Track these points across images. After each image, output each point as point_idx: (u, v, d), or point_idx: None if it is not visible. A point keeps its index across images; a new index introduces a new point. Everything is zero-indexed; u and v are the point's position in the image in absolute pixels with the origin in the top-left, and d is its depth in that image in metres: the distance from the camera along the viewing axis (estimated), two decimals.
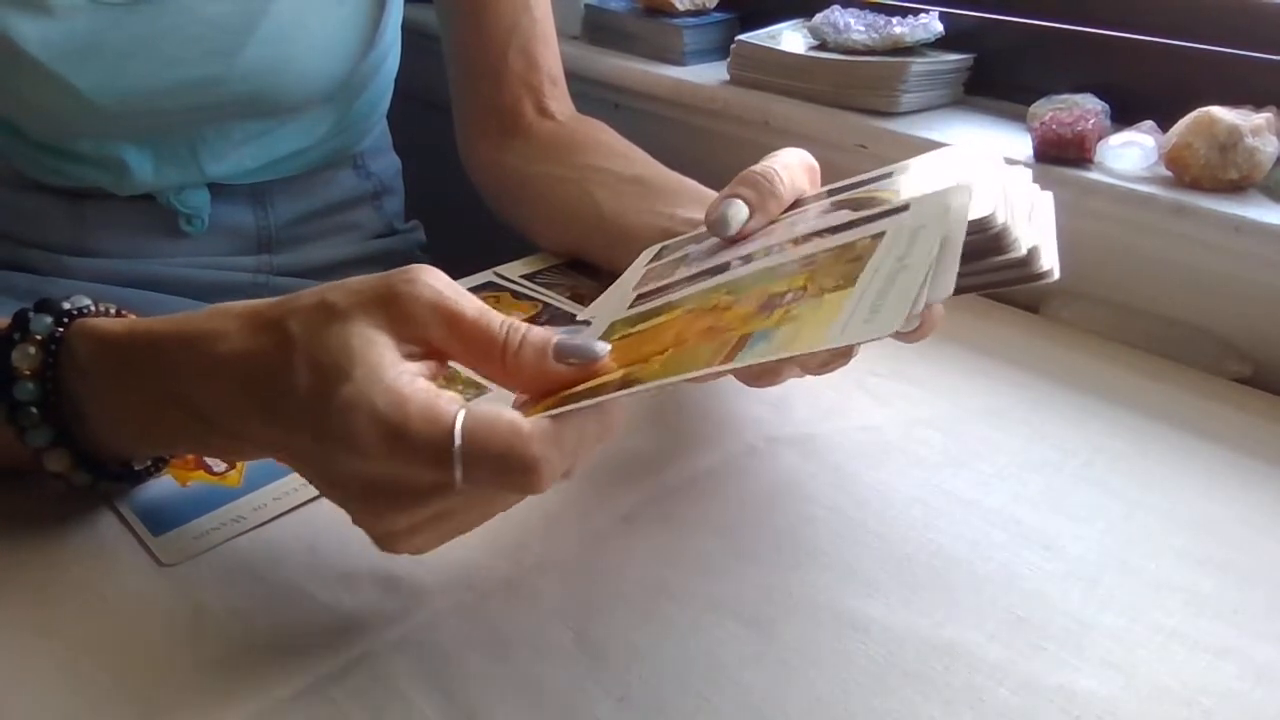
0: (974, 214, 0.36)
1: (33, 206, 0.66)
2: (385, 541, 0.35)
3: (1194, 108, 0.59)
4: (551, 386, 0.35)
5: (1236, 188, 0.58)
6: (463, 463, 0.31)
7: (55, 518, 0.43)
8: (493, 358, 0.35)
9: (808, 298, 0.35)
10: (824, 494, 0.46)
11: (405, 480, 0.32)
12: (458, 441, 0.31)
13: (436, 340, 0.35)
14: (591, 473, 0.46)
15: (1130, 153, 0.61)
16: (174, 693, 0.35)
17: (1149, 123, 0.63)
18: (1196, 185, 0.58)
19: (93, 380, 0.39)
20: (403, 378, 0.33)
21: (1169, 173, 0.60)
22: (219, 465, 0.46)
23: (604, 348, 0.35)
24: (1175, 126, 0.59)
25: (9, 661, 0.36)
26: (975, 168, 0.41)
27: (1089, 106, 0.65)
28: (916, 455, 0.48)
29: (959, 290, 0.38)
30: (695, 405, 0.52)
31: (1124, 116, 0.65)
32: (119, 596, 0.39)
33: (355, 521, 0.35)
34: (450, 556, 0.41)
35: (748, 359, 0.32)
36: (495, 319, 0.35)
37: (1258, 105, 0.60)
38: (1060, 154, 0.62)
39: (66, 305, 0.40)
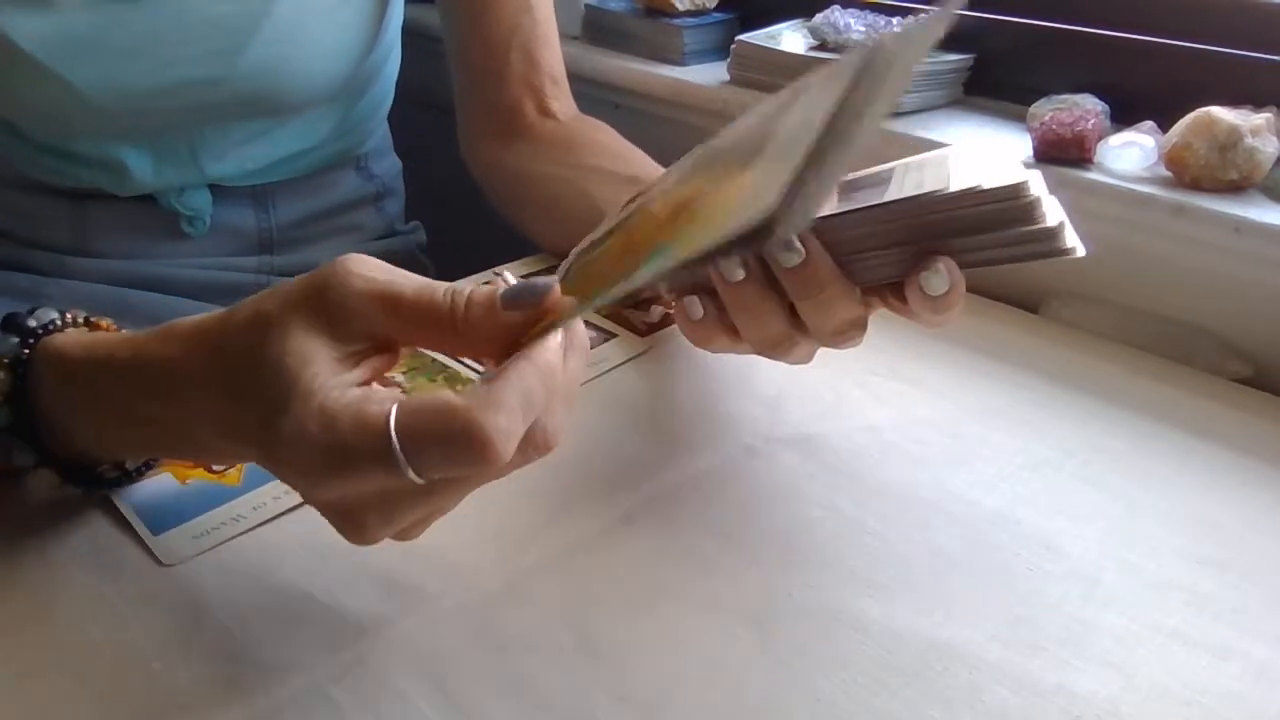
0: (1006, 180, 0.36)
1: (33, 207, 0.66)
2: (361, 543, 0.34)
3: (1194, 108, 0.59)
4: (511, 340, 0.33)
5: (1236, 188, 0.58)
6: (407, 459, 0.30)
7: (55, 518, 0.43)
8: (443, 328, 0.33)
9: (708, 194, 0.32)
10: (823, 494, 0.46)
11: (370, 493, 0.32)
12: (394, 441, 0.30)
13: (381, 329, 0.33)
14: (591, 473, 0.46)
15: (1130, 153, 0.61)
16: (174, 693, 0.35)
17: (1149, 123, 0.63)
18: (1196, 185, 0.58)
19: (61, 400, 0.39)
20: (331, 395, 0.31)
21: (1169, 173, 0.60)
22: (218, 464, 0.46)
23: (548, 281, 0.33)
24: (1175, 126, 0.59)
25: (9, 661, 0.36)
26: (997, 159, 0.41)
27: (1089, 106, 0.65)
28: (916, 455, 0.48)
29: (987, 263, 0.38)
30: (694, 406, 0.52)
31: (1124, 116, 0.65)
32: (119, 596, 0.39)
33: (351, 539, 0.34)
34: (450, 556, 0.41)
35: (646, 273, 0.30)
36: (437, 289, 0.33)
37: (1258, 105, 0.60)
38: (1060, 154, 0.62)
39: (32, 323, 0.39)
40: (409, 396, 0.31)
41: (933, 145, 0.65)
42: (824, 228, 0.39)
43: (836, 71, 0.30)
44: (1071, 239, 0.37)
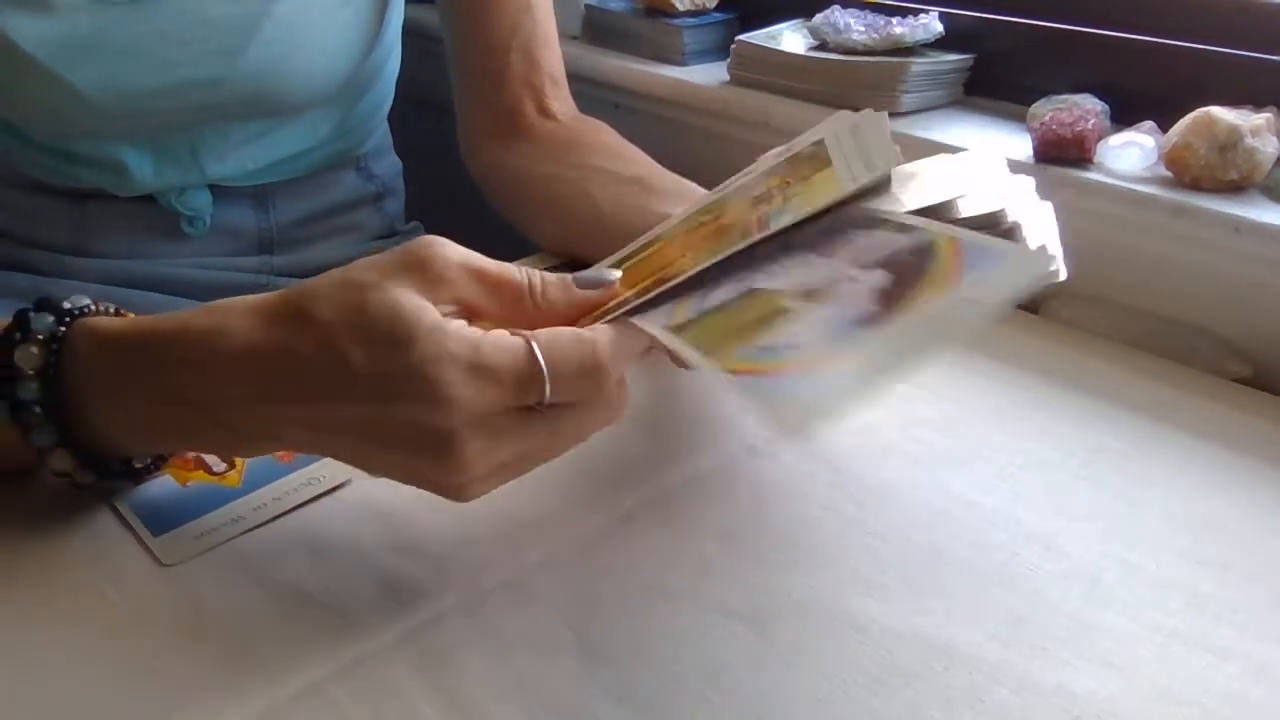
0: (982, 209, 0.36)
1: (34, 206, 0.66)
2: (462, 490, 0.36)
3: (1194, 108, 0.59)
4: (579, 316, 0.39)
5: (1236, 188, 0.58)
6: (548, 374, 0.34)
7: (55, 518, 0.43)
8: (523, 302, 0.38)
9: (794, 187, 0.39)
10: (824, 494, 0.46)
11: (494, 419, 0.35)
12: (541, 360, 0.34)
13: (469, 297, 0.37)
14: (591, 473, 0.46)
15: (1130, 153, 0.61)
16: (174, 693, 0.35)
17: (1149, 123, 0.63)
18: (1196, 185, 0.58)
19: (94, 377, 0.39)
20: (464, 328, 0.34)
21: (1169, 173, 0.60)
22: (219, 465, 0.46)
23: (615, 273, 0.41)
24: (1175, 127, 0.59)
25: (9, 662, 0.36)
26: (980, 169, 0.41)
27: (1089, 106, 0.65)
28: (916, 455, 0.48)
29: None
30: (694, 406, 0.52)
31: (1124, 116, 0.65)
32: (119, 596, 0.39)
33: (429, 478, 0.36)
34: (450, 556, 0.41)
35: (781, 224, 0.37)
36: (513, 269, 0.38)
37: (1258, 105, 0.60)
38: (1060, 154, 0.62)
39: (67, 305, 0.40)
40: (538, 332, 0.36)
41: (933, 145, 0.65)
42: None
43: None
44: (1055, 260, 0.37)
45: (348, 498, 0.45)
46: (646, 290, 0.39)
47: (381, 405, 0.34)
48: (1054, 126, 0.62)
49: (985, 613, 0.39)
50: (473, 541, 0.42)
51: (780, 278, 0.38)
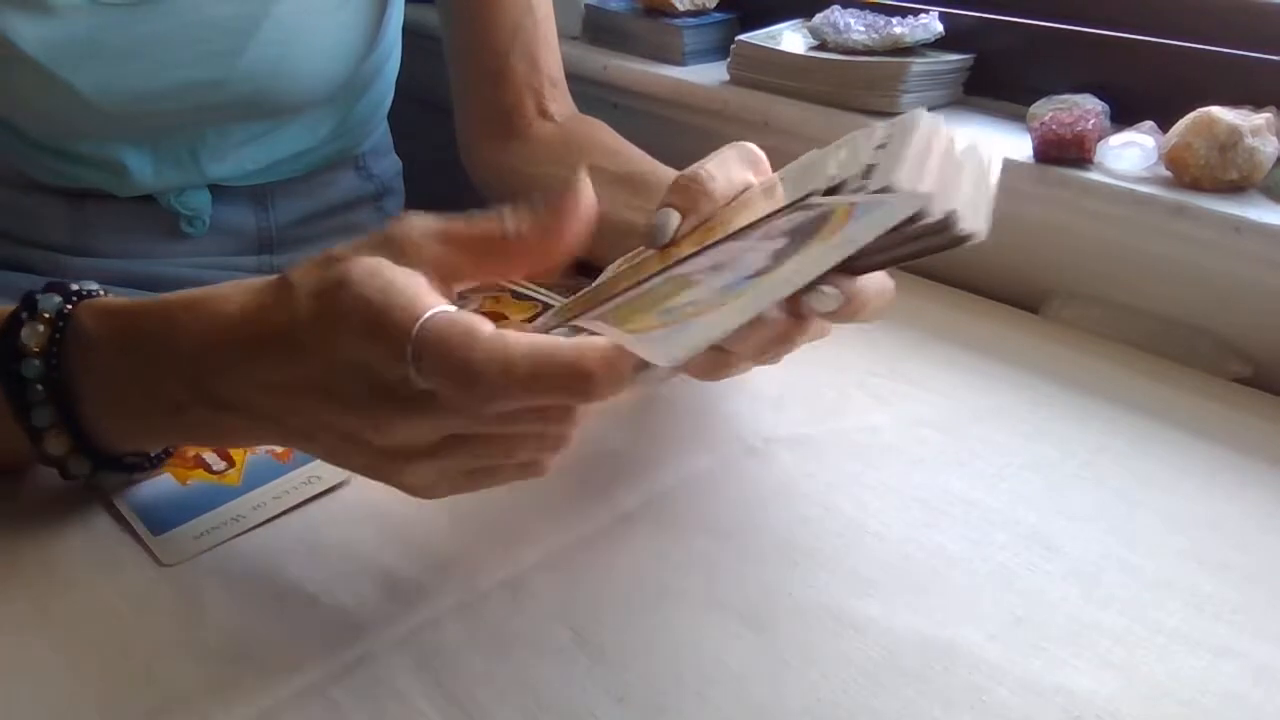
0: (879, 184, 0.34)
1: (33, 206, 0.66)
2: (416, 491, 0.36)
3: (1194, 108, 0.59)
4: (557, 246, 0.37)
5: (1236, 188, 0.58)
6: (414, 353, 0.31)
7: (55, 518, 0.43)
8: (497, 244, 0.37)
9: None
10: (823, 494, 0.46)
11: (386, 384, 0.33)
12: (414, 331, 0.32)
13: (441, 257, 0.36)
14: (591, 473, 0.46)
15: (1130, 153, 0.61)
16: (174, 693, 0.35)
17: (1149, 123, 0.63)
18: (1196, 185, 0.58)
19: (95, 353, 0.39)
20: (400, 274, 0.33)
21: (1169, 173, 0.60)
22: (218, 464, 0.46)
23: (580, 175, 0.37)
24: (1175, 126, 0.59)
25: (9, 662, 0.36)
26: (893, 133, 0.39)
27: (1089, 106, 0.65)
28: (916, 455, 0.48)
29: (878, 265, 0.37)
30: (694, 406, 0.52)
31: (1124, 116, 0.65)
32: (119, 596, 0.39)
33: (383, 478, 0.36)
34: (450, 556, 0.41)
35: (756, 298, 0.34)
36: (482, 218, 0.37)
37: (1258, 105, 0.60)
38: (1060, 154, 0.62)
39: (75, 287, 0.41)
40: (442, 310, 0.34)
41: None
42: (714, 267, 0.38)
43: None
44: (970, 223, 0.34)
45: (348, 497, 0.45)
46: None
47: (315, 350, 0.34)
48: (1054, 126, 0.62)
49: (985, 613, 0.39)
50: (473, 541, 0.42)
51: (697, 261, 0.39)
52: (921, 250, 0.35)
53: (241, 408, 0.37)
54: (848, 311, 0.37)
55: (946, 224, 0.34)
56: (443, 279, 0.36)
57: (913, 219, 0.34)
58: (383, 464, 0.36)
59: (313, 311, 0.34)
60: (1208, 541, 0.43)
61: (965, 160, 0.37)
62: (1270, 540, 0.43)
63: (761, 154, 0.46)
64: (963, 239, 0.34)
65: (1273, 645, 0.38)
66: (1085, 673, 0.36)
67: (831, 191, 0.37)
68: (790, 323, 0.40)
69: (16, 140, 0.64)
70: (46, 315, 0.39)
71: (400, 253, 0.35)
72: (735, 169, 0.45)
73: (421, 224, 0.37)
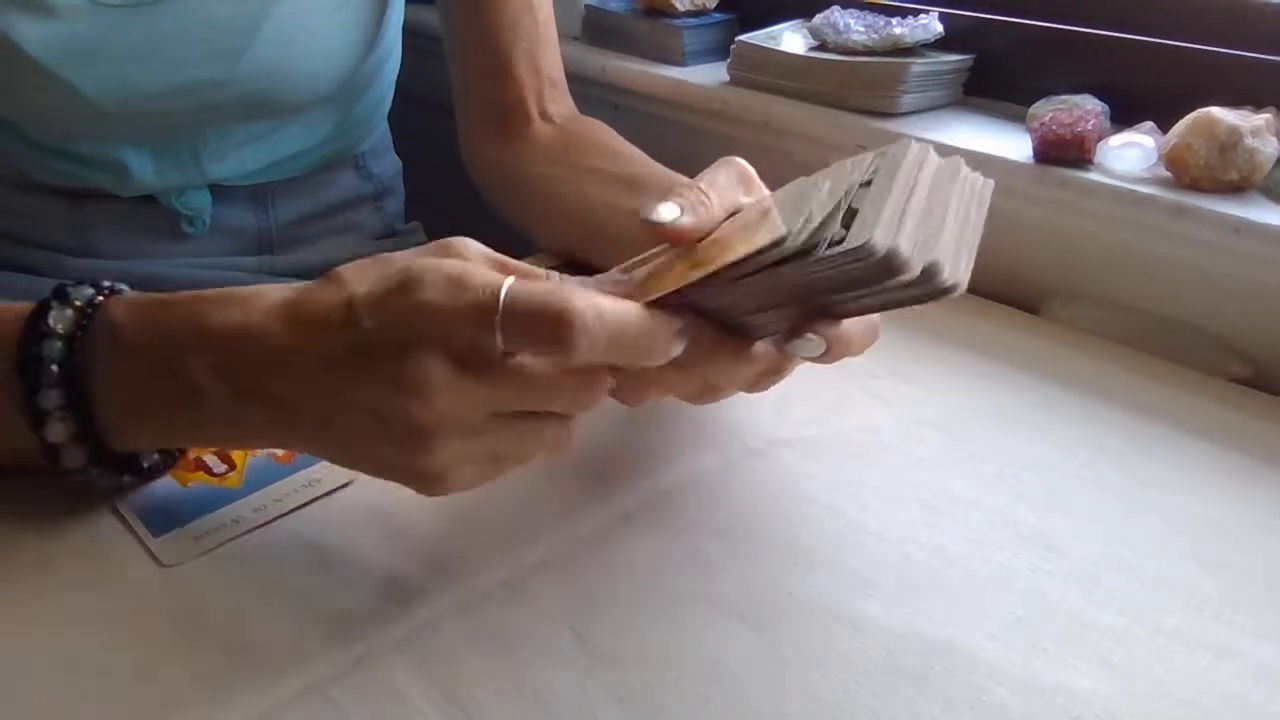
0: (853, 241, 0.33)
1: (34, 207, 0.66)
2: (436, 480, 0.36)
3: (1194, 108, 0.59)
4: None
5: (1236, 188, 0.58)
6: (503, 318, 0.33)
7: (55, 518, 0.43)
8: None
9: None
10: (824, 494, 0.46)
11: (461, 402, 0.34)
12: (503, 292, 0.33)
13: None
14: (591, 473, 0.46)
15: (1130, 153, 0.61)
16: (174, 693, 0.35)
17: (1149, 123, 0.63)
18: (1196, 186, 0.58)
19: (121, 340, 0.39)
20: (469, 264, 0.35)
21: (1169, 173, 0.60)
22: (219, 466, 0.46)
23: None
24: (1175, 127, 0.59)
25: (9, 661, 0.36)
26: (879, 166, 0.37)
27: (1089, 107, 0.65)
28: (916, 455, 0.48)
29: (876, 309, 0.37)
30: (695, 406, 0.52)
31: (1124, 117, 0.65)
32: (119, 597, 0.39)
33: (404, 465, 0.36)
34: (450, 556, 0.41)
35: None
36: (538, 270, 0.39)
37: (1258, 106, 0.60)
38: (1060, 155, 0.62)
39: (108, 284, 0.41)
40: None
41: (933, 146, 0.65)
42: (698, 300, 0.37)
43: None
44: (951, 273, 0.34)
45: (348, 499, 0.45)
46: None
47: (362, 333, 0.35)
48: (1054, 127, 0.62)
49: (985, 613, 0.39)
50: (473, 541, 0.42)
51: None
52: (903, 301, 0.35)
53: (263, 393, 0.37)
54: (831, 355, 0.38)
55: (926, 278, 0.33)
56: None
57: (889, 274, 0.33)
58: (408, 446, 0.35)
59: (382, 287, 0.35)
60: (1208, 541, 0.43)
61: (954, 192, 0.37)
62: (1270, 540, 0.43)
63: (751, 171, 0.44)
64: (943, 291, 0.34)
65: (1273, 645, 0.38)
66: (1085, 673, 0.36)
67: (811, 236, 0.35)
68: (780, 357, 0.40)
69: (17, 140, 0.64)
70: (78, 303, 0.39)
71: (457, 257, 0.37)
72: (726, 191, 0.43)
73: (479, 248, 0.38)
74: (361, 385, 0.35)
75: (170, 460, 0.45)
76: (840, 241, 0.33)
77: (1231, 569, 0.42)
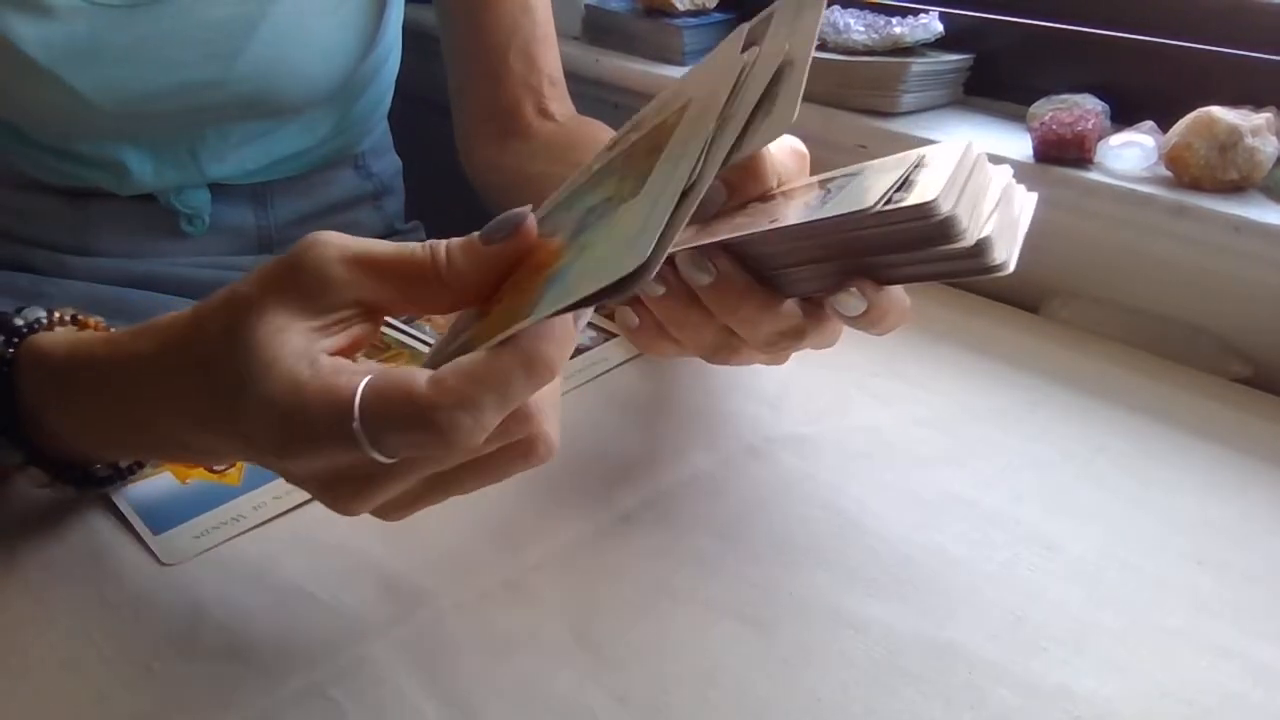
0: (916, 199, 0.34)
1: (34, 206, 0.66)
2: (381, 515, 0.34)
3: (1194, 108, 0.59)
4: (500, 279, 0.33)
5: (1236, 188, 0.58)
6: (368, 436, 0.29)
7: (54, 517, 0.43)
8: (428, 281, 0.33)
9: (608, 212, 0.32)
10: (823, 494, 0.46)
11: (342, 466, 0.31)
12: (355, 417, 0.29)
13: (364, 295, 0.33)
14: (590, 473, 0.46)
15: (1130, 153, 0.61)
16: (173, 693, 0.35)
17: (1149, 123, 0.63)
18: (1196, 185, 0.58)
19: (47, 400, 0.39)
20: (300, 364, 0.31)
21: (1169, 173, 0.60)
22: (206, 462, 0.46)
23: (522, 210, 0.33)
24: (1175, 126, 0.59)
25: (9, 661, 0.36)
26: (942, 156, 0.39)
27: (1089, 106, 0.65)
28: (916, 455, 0.48)
29: (915, 279, 0.37)
30: (695, 406, 0.52)
31: (1124, 116, 0.65)
32: (119, 596, 0.39)
33: (338, 511, 0.33)
34: (450, 556, 0.41)
35: (546, 309, 0.29)
36: (414, 247, 0.33)
37: (1258, 105, 0.60)
38: (1060, 154, 0.62)
39: (19, 322, 0.40)
40: (382, 370, 0.30)
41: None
42: (741, 244, 0.37)
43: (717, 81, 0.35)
44: (1002, 254, 0.35)
45: None
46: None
47: (242, 440, 0.32)
48: (1054, 126, 0.62)
49: (985, 613, 0.39)
50: (473, 541, 0.42)
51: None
52: (949, 272, 0.36)
53: (228, 453, 0.37)
54: (868, 319, 0.38)
55: (977, 250, 0.34)
56: (367, 314, 0.33)
57: (943, 240, 0.34)
58: (330, 499, 0.33)
59: (237, 420, 0.32)
60: (1208, 541, 0.43)
61: (1003, 197, 0.38)
62: (1270, 540, 0.43)
63: (804, 150, 0.45)
64: (992, 268, 0.35)
65: (1273, 645, 0.38)
66: (1085, 673, 0.36)
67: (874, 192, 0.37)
68: (805, 320, 0.40)
69: (17, 140, 0.64)
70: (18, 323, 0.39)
71: (310, 291, 0.32)
72: (783, 159, 0.43)
73: (336, 250, 0.32)
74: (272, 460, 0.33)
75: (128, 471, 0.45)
76: (900, 202, 0.34)
77: (1231, 569, 0.42)
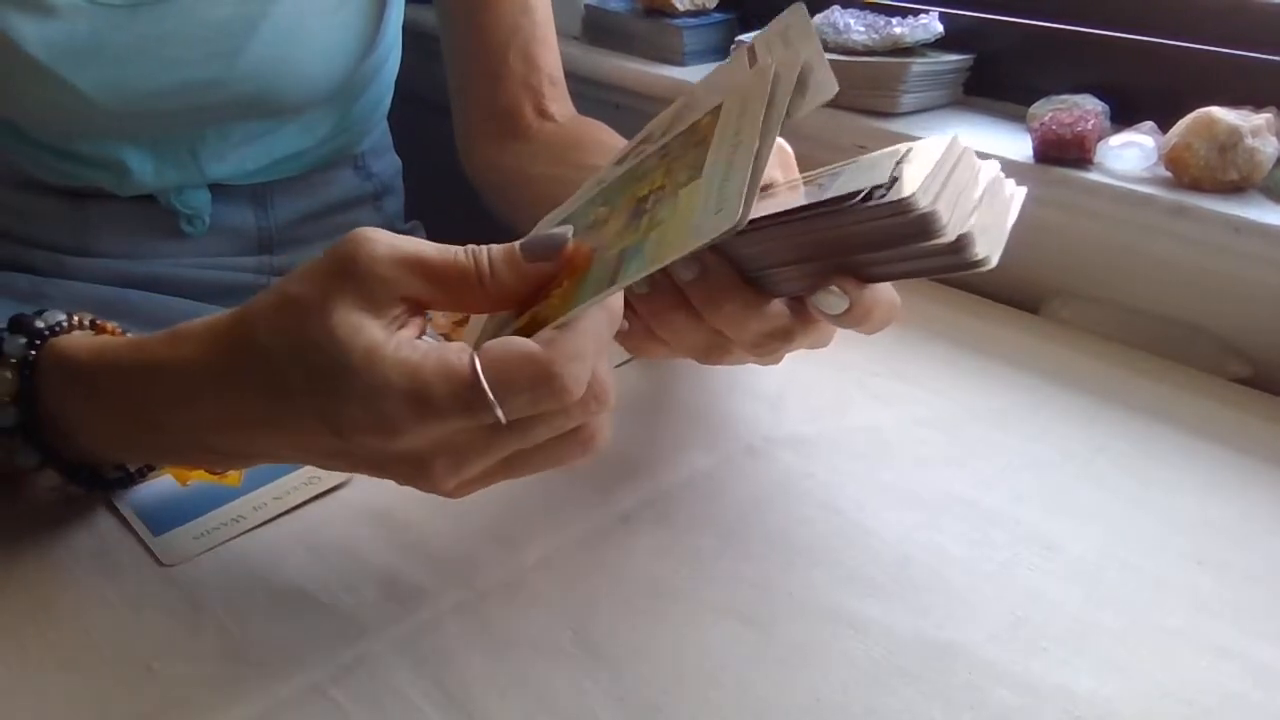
0: (894, 195, 0.34)
1: (34, 206, 0.66)
2: (445, 495, 0.35)
3: (1194, 108, 0.59)
4: (536, 292, 0.36)
5: (1236, 188, 0.58)
6: (499, 402, 0.32)
7: (55, 518, 0.43)
8: (472, 287, 0.35)
9: (666, 197, 0.35)
10: (823, 494, 0.46)
11: (456, 439, 0.33)
12: (485, 385, 0.31)
13: (413, 293, 0.34)
14: (591, 473, 0.46)
15: (1130, 153, 0.61)
16: (174, 693, 0.35)
17: (1149, 123, 0.63)
18: (1196, 186, 0.58)
19: (67, 404, 0.39)
20: (404, 347, 0.32)
21: (1169, 173, 0.60)
22: (227, 467, 0.46)
23: (565, 232, 0.35)
24: (1175, 127, 0.59)
25: (9, 661, 0.36)
26: (926, 151, 0.38)
27: (1089, 107, 0.65)
28: (916, 455, 0.48)
29: (901, 276, 0.37)
30: (694, 405, 0.52)
31: (1124, 117, 0.65)
32: (119, 596, 0.39)
33: (422, 489, 0.35)
34: (450, 556, 0.41)
35: (629, 278, 0.32)
36: (456, 250, 0.35)
37: (1258, 105, 0.60)
38: (1060, 154, 0.62)
39: (40, 324, 0.40)
40: (486, 344, 0.33)
41: None
42: (726, 244, 0.37)
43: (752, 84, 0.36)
44: (984, 249, 0.35)
45: (348, 497, 0.45)
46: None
47: (334, 436, 0.33)
48: (1054, 127, 0.62)
49: (985, 613, 0.39)
50: (473, 541, 0.42)
51: None
52: (931, 269, 0.35)
53: (258, 454, 0.37)
54: (852, 317, 0.38)
55: (958, 246, 0.34)
56: (411, 310, 0.35)
57: (923, 236, 0.34)
58: (422, 475, 0.35)
59: (314, 395, 0.33)
60: (1208, 541, 0.43)
61: (988, 190, 0.37)
62: (1270, 540, 0.43)
63: (788, 149, 0.45)
64: (974, 264, 0.34)
65: (1273, 645, 0.38)
66: (1085, 673, 0.36)
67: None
68: (792, 321, 0.40)
69: (17, 139, 0.64)
70: (13, 360, 0.39)
71: (368, 287, 0.33)
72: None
73: (389, 252, 0.34)
74: (335, 449, 0.34)
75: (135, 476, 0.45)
76: (881, 198, 0.34)
77: (1231, 569, 0.42)
